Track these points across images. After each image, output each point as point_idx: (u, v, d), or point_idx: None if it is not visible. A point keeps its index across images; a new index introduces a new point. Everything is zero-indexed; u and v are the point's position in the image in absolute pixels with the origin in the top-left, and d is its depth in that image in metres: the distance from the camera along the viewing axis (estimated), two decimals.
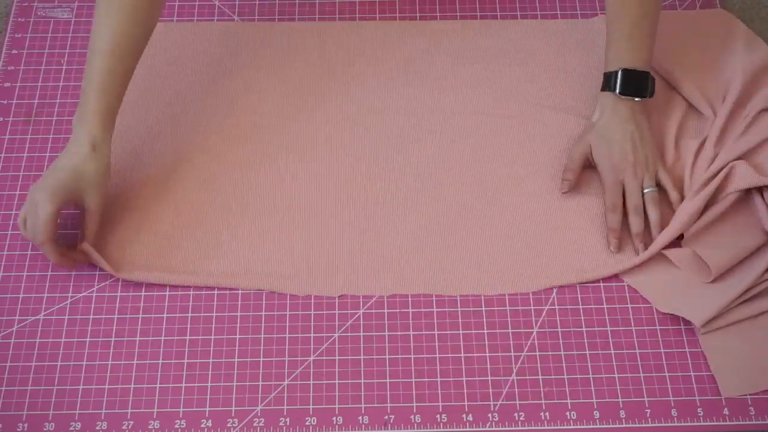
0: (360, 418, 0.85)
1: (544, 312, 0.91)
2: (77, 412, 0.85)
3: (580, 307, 0.91)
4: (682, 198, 0.95)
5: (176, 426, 0.84)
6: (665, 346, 0.89)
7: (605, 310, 0.91)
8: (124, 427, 0.84)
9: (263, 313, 0.90)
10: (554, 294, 0.92)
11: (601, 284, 0.92)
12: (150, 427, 0.84)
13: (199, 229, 0.95)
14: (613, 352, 0.88)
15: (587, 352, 0.88)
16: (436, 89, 1.05)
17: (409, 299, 0.91)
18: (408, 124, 1.03)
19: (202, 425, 0.84)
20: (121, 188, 0.97)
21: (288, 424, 0.84)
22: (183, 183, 0.98)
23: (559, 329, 0.90)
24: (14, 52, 1.08)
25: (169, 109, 1.03)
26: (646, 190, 0.94)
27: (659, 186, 0.95)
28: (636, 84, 0.95)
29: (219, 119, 1.03)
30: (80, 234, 0.91)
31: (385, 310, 0.91)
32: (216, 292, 0.91)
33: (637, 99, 0.95)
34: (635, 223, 0.93)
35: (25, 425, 0.84)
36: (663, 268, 0.92)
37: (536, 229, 0.95)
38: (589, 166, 0.98)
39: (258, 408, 0.85)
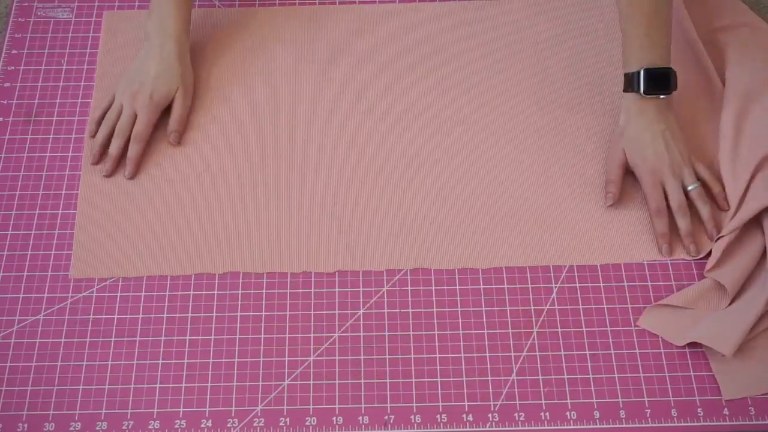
0: (360, 418, 0.85)
1: (544, 312, 0.91)
2: (77, 412, 0.85)
3: (580, 307, 0.91)
4: (724, 189, 0.95)
5: (176, 426, 0.84)
6: (665, 346, 0.89)
7: (605, 310, 0.91)
8: (124, 427, 0.84)
9: (263, 313, 0.90)
10: (554, 294, 0.92)
11: (601, 284, 0.92)
12: (150, 427, 0.84)
13: (203, 218, 0.96)
14: (613, 352, 0.88)
15: (587, 352, 0.88)
16: (433, 69, 1.07)
17: (409, 299, 0.91)
18: (411, 107, 1.04)
19: (202, 425, 0.84)
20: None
21: (288, 424, 0.84)
22: (182, 169, 0.99)
23: (559, 329, 0.90)
24: (14, 52, 1.08)
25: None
26: (689, 188, 0.93)
27: (700, 180, 0.95)
28: (659, 81, 0.94)
29: (215, 107, 1.04)
30: (170, 124, 1.00)
31: (385, 311, 0.91)
32: (216, 292, 0.91)
33: (662, 96, 0.94)
34: (683, 225, 0.93)
35: (25, 425, 0.84)
36: (672, 308, 0.91)
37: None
38: (629, 172, 0.97)
39: (258, 408, 0.85)
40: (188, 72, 1.01)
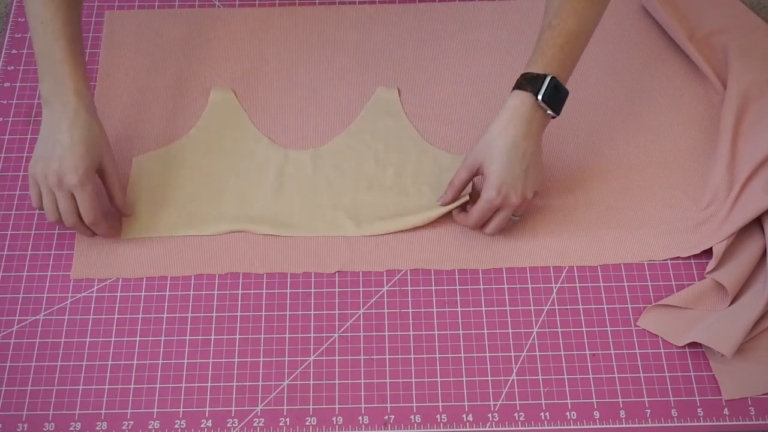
0: (360, 418, 0.85)
1: (544, 312, 0.91)
2: (77, 412, 0.85)
3: (580, 307, 0.91)
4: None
5: (176, 426, 0.84)
6: (665, 346, 0.89)
7: (605, 310, 0.91)
8: (124, 427, 0.84)
9: (263, 313, 0.90)
10: (554, 294, 0.92)
11: (601, 284, 0.92)
12: (150, 427, 0.84)
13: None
14: (613, 352, 0.88)
15: (587, 352, 0.88)
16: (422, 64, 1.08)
17: (409, 299, 0.91)
18: (413, 104, 1.05)
19: (202, 425, 0.84)
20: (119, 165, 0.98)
21: (288, 424, 0.84)
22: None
23: (559, 329, 0.90)
24: (14, 52, 1.08)
25: (158, 96, 1.05)
26: (513, 217, 0.91)
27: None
28: (557, 98, 0.87)
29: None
30: (111, 199, 0.92)
31: (385, 311, 0.91)
32: (216, 292, 0.91)
33: (549, 112, 0.87)
34: (487, 231, 0.91)
35: (25, 425, 0.84)
36: (672, 308, 0.91)
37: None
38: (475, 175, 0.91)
39: (258, 408, 0.85)
40: (100, 125, 0.89)
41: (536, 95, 0.86)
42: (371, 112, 1.03)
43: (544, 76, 0.86)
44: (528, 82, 0.87)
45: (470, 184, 0.94)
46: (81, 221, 0.88)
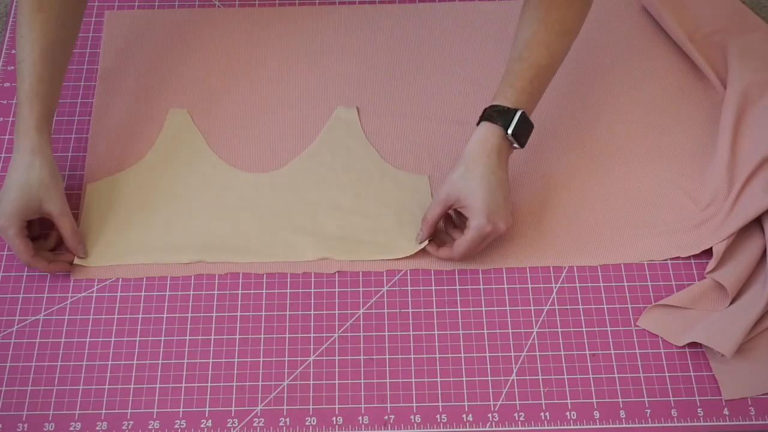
0: (360, 418, 0.85)
1: (544, 312, 0.91)
2: (77, 412, 0.85)
3: (580, 307, 0.91)
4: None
5: (176, 426, 0.84)
6: (665, 346, 0.89)
7: (605, 310, 0.91)
8: (124, 427, 0.84)
9: (263, 313, 0.90)
10: (554, 294, 0.92)
11: (601, 284, 0.92)
12: (150, 427, 0.84)
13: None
14: (613, 352, 0.88)
15: (587, 352, 0.88)
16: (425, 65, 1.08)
17: (409, 299, 0.91)
18: (413, 107, 1.05)
19: (202, 425, 0.84)
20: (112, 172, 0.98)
21: (288, 424, 0.84)
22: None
23: (559, 329, 0.90)
24: (14, 52, 1.08)
25: (158, 96, 1.05)
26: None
27: None
28: (524, 133, 0.88)
29: (215, 108, 1.04)
30: (65, 241, 0.90)
31: (385, 311, 0.91)
32: (216, 292, 0.91)
33: (515, 146, 0.88)
34: (461, 255, 0.89)
35: (25, 425, 0.84)
36: (672, 308, 0.91)
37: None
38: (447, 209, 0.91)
39: (258, 408, 0.85)
40: (49, 167, 0.88)
41: (506, 129, 0.87)
42: (330, 133, 1.02)
43: (515, 111, 0.87)
44: (498, 114, 0.87)
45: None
46: (32, 263, 0.88)
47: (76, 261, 0.92)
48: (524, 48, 0.89)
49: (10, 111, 1.03)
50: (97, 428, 0.84)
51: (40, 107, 0.88)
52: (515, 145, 0.88)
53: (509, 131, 0.87)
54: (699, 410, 0.85)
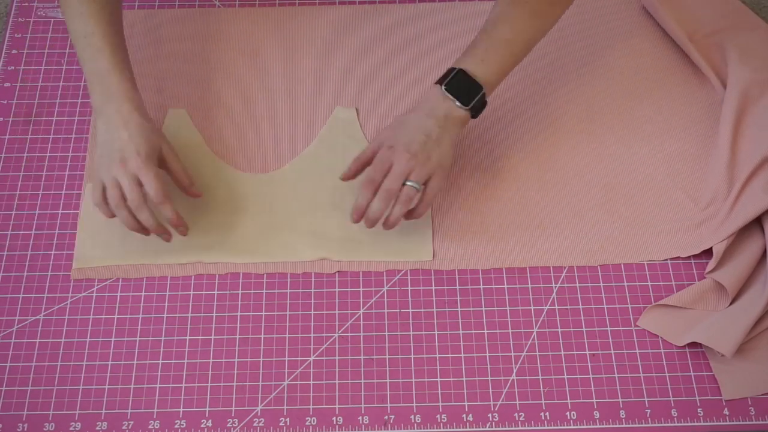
0: (360, 418, 0.85)
1: (544, 312, 0.91)
2: (77, 412, 0.85)
3: (580, 307, 0.91)
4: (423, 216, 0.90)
5: (176, 426, 0.84)
6: (665, 346, 0.89)
7: (605, 310, 0.91)
8: (124, 427, 0.84)
9: (263, 314, 0.90)
10: (554, 294, 0.92)
11: (601, 284, 0.92)
12: (150, 427, 0.84)
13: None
14: (613, 352, 0.88)
15: (587, 352, 0.88)
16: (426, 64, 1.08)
17: (409, 299, 0.91)
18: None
19: (202, 425, 0.84)
20: None
21: (288, 424, 0.84)
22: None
23: (559, 329, 0.90)
24: (14, 52, 1.08)
25: (156, 95, 1.04)
26: (408, 182, 0.87)
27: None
28: (465, 89, 0.89)
29: (215, 108, 1.04)
30: (178, 183, 0.92)
31: (385, 311, 0.91)
32: (216, 292, 0.91)
33: (458, 104, 0.89)
34: (376, 207, 0.87)
35: (25, 425, 0.84)
36: (672, 308, 0.91)
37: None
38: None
39: (258, 408, 0.85)
40: (153, 122, 0.91)
41: (441, 84, 0.89)
42: (329, 133, 1.02)
43: (454, 69, 0.90)
44: (442, 76, 0.90)
45: None
46: (146, 208, 0.86)
47: (76, 264, 0.92)
48: (489, 23, 0.91)
49: (10, 111, 1.03)
50: (97, 428, 0.84)
51: (128, 73, 0.91)
52: (458, 104, 0.89)
53: (443, 86, 0.89)
54: (699, 410, 0.85)
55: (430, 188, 0.88)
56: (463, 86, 0.89)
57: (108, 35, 0.91)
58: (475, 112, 0.90)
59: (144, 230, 0.88)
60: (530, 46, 0.93)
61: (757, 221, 0.94)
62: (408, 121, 0.89)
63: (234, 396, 0.86)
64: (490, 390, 0.86)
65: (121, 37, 0.93)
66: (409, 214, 0.90)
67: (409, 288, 0.92)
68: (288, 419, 0.85)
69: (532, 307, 0.91)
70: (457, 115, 0.89)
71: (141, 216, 0.86)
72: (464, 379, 0.87)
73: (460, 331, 0.89)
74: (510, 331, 0.89)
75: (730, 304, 0.89)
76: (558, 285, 0.92)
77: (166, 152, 0.90)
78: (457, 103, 0.89)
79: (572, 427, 0.85)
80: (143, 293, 0.91)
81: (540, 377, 0.87)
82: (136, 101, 0.90)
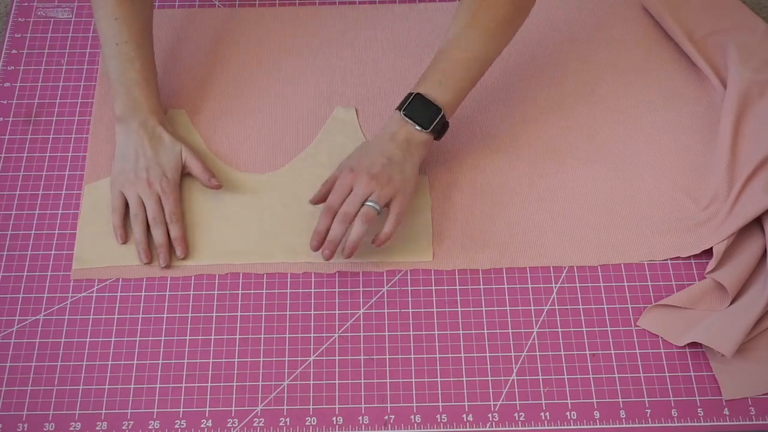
0: (360, 418, 0.85)
1: (544, 312, 0.91)
2: (77, 412, 0.85)
3: (581, 307, 0.91)
4: (387, 237, 0.89)
5: (176, 426, 0.84)
6: (665, 346, 0.89)
7: (605, 310, 0.91)
8: (124, 427, 0.84)
9: (263, 314, 0.90)
10: (554, 294, 0.92)
11: (601, 284, 0.92)
12: (150, 427, 0.84)
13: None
14: (613, 352, 0.88)
15: (587, 352, 0.88)
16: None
17: (409, 299, 0.91)
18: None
19: (202, 425, 0.84)
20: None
21: (288, 424, 0.84)
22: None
23: (559, 329, 0.90)
24: (14, 52, 1.08)
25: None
26: (368, 203, 0.87)
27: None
28: (424, 113, 0.90)
29: (215, 107, 1.04)
30: (204, 181, 0.95)
31: (385, 311, 0.91)
32: (216, 292, 0.91)
33: (417, 128, 0.90)
34: (334, 231, 0.88)
35: (25, 425, 0.84)
36: (672, 308, 0.91)
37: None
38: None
39: (258, 408, 0.85)
40: (177, 136, 0.97)
41: (401, 110, 0.91)
42: (329, 134, 1.02)
43: (412, 94, 0.91)
44: (402, 102, 0.92)
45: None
46: (164, 228, 0.92)
47: (76, 264, 0.92)
48: (445, 44, 0.93)
49: (10, 111, 1.03)
50: (97, 428, 0.84)
51: (155, 87, 0.97)
52: (418, 128, 0.90)
53: (402, 111, 0.90)
54: (699, 410, 0.85)
55: (393, 210, 0.89)
56: (421, 110, 0.90)
57: (141, 45, 0.94)
58: (437, 134, 0.92)
59: (147, 249, 0.92)
60: (486, 66, 0.94)
61: (757, 221, 0.94)
62: (370, 146, 0.91)
63: (234, 396, 0.86)
64: (490, 390, 0.86)
65: (151, 46, 0.97)
66: (376, 240, 0.89)
67: (409, 288, 0.92)
68: (288, 419, 0.85)
69: (532, 307, 0.91)
70: (418, 140, 0.91)
71: (156, 231, 0.92)
72: (464, 379, 0.87)
73: (460, 331, 0.89)
74: (510, 331, 0.89)
75: (730, 304, 0.89)
76: (558, 285, 0.92)
77: (187, 161, 0.95)
78: (417, 127, 0.90)
79: (572, 427, 0.85)
80: (143, 293, 0.91)
81: (540, 377, 0.87)
82: (160, 114, 0.96)
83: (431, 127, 0.90)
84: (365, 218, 0.87)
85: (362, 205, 0.87)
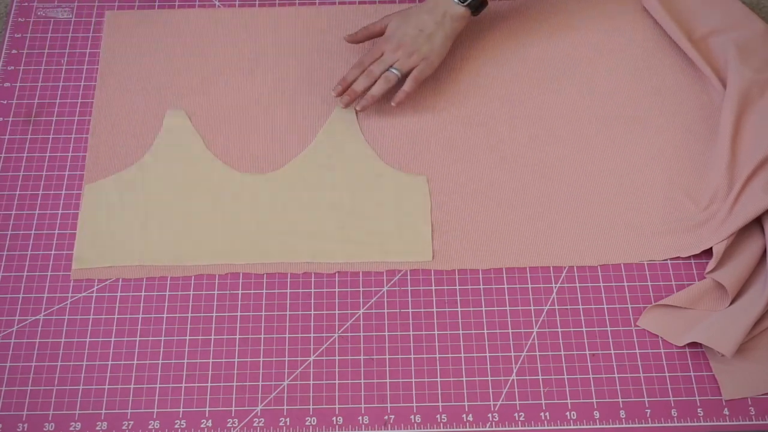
0: (360, 418, 0.85)
1: (544, 312, 0.91)
2: (77, 412, 0.85)
3: (580, 307, 0.91)
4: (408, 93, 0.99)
5: (176, 426, 0.84)
6: (665, 346, 0.89)
7: (605, 310, 0.91)
8: (124, 427, 0.84)
9: (263, 314, 0.90)
10: (554, 294, 0.92)
11: (601, 284, 0.92)
12: (150, 427, 0.84)
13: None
14: (613, 352, 0.88)
15: (587, 352, 0.88)
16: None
17: (409, 299, 0.91)
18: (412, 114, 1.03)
19: (202, 425, 0.84)
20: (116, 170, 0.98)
21: (288, 424, 0.84)
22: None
23: (559, 329, 0.90)
24: (14, 52, 1.08)
25: (157, 96, 1.04)
26: (392, 69, 0.99)
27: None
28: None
29: (215, 107, 1.04)
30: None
31: (385, 311, 0.91)
32: (216, 292, 0.91)
33: (456, 0, 0.98)
34: (360, 83, 0.99)
35: (25, 425, 0.84)
36: (672, 308, 0.91)
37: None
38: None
39: (258, 408, 0.85)
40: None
41: None
42: (328, 134, 1.02)
43: None
44: None
45: None
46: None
47: (76, 264, 0.92)
48: None
49: (10, 111, 1.03)
50: (97, 428, 0.84)
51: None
52: (464, 4, 0.99)
53: None
54: (699, 410, 0.85)
55: (413, 74, 0.99)
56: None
57: None
58: (474, 9, 1.00)
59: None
60: None
61: (757, 221, 0.94)
62: (410, 15, 1.01)
63: (234, 396, 0.86)
64: (490, 390, 0.86)
65: None
66: (395, 98, 0.99)
67: (409, 288, 0.92)
68: (288, 419, 0.85)
69: (532, 307, 0.91)
70: (455, 12, 1.00)
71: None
72: (464, 379, 0.87)
73: (460, 331, 0.89)
74: (510, 331, 0.89)
75: (730, 304, 0.89)
76: (558, 285, 0.92)
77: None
78: (455, 0, 0.99)
79: (572, 427, 0.85)
80: (143, 293, 0.91)
81: (540, 377, 0.87)
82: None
83: (468, 1, 0.99)
84: (386, 80, 0.99)
85: (387, 69, 0.99)
